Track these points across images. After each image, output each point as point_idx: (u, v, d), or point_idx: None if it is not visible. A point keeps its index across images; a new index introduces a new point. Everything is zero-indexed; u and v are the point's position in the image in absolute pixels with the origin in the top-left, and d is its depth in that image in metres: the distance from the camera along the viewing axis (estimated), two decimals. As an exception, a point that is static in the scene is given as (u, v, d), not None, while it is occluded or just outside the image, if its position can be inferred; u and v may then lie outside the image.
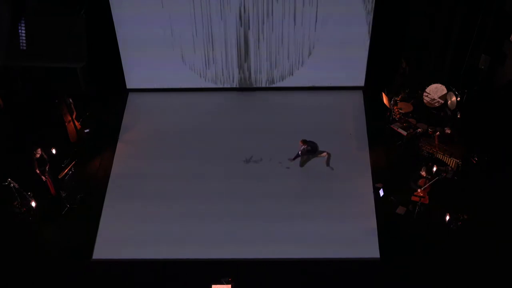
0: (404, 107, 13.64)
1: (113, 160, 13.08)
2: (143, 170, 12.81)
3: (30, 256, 10.99)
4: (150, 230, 11.49)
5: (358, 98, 14.59)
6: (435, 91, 13.81)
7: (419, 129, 13.13)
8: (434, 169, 11.74)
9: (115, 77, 14.65)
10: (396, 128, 13.23)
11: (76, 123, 13.32)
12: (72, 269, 10.75)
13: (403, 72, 14.30)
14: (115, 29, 13.76)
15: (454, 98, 13.61)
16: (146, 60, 14.29)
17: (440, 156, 12.43)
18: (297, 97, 14.74)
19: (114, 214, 11.86)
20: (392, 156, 12.93)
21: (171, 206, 11.95)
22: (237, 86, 14.83)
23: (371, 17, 13.36)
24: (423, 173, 11.40)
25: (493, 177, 12.08)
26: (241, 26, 13.61)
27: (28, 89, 14.46)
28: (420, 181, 11.36)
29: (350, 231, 11.32)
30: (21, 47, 13.56)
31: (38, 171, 11.64)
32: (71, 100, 13.21)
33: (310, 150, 12.27)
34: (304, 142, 12.18)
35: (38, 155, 11.65)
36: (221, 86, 14.83)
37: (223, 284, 9.70)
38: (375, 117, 13.91)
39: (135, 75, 14.69)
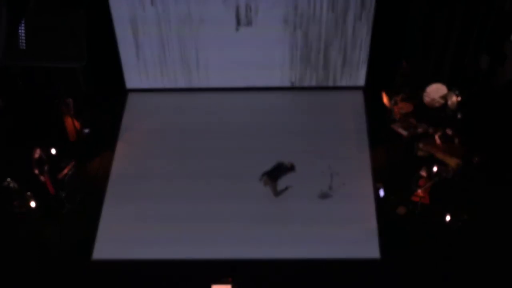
0: (405, 107, 13.63)
1: (113, 160, 13.07)
2: (143, 170, 12.82)
3: (30, 256, 10.99)
4: (150, 230, 11.48)
5: (358, 98, 14.59)
6: (435, 91, 13.80)
7: (419, 129, 13.12)
8: (434, 169, 11.74)
9: (115, 77, 14.64)
10: (396, 128, 13.22)
11: (76, 123, 13.32)
12: (72, 269, 10.75)
13: (403, 72, 14.29)
14: (115, 29, 13.76)
15: (454, 98, 13.61)
16: (146, 60, 14.29)
17: (440, 156, 12.43)
18: (297, 97, 14.74)
19: (114, 214, 11.87)
20: (392, 156, 12.93)
21: (171, 206, 11.94)
22: (237, 86, 14.81)
23: (371, 16, 13.36)
24: (423, 173, 11.39)
25: (493, 177, 12.07)
26: (240, 25, 13.61)
27: (28, 89, 14.45)
28: (420, 182, 11.36)
29: (350, 231, 11.31)
30: (21, 47, 13.55)
31: (36, 171, 11.64)
32: (71, 100, 13.22)
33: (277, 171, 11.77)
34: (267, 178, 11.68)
35: (37, 155, 11.65)
36: (221, 86, 14.82)
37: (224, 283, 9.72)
38: (375, 117, 13.90)
39: (135, 75, 14.69)
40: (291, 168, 11.87)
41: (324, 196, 12.03)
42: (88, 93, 14.50)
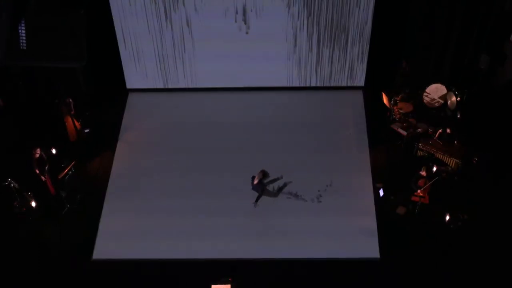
0: (404, 107, 13.64)
1: (113, 160, 13.08)
2: (143, 170, 12.82)
3: (30, 256, 10.99)
4: (150, 230, 11.49)
5: (358, 98, 14.60)
6: (435, 91, 13.81)
7: (419, 129, 13.13)
8: (434, 169, 11.74)
9: (115, 77, 14.64)
10: (396, 128, 13.23)
11: (76, 123, 13.32)
12: (72, 269, 10.75)
13: (403, 72, 14.30)
14: (115, 29, 13.76)
15: (454, 98, 13.61)
16: (146, 60, 14.30)
17: (440, 156, 12.44)
18: (297, 97, 14.74)
19: (114, 214, 11.87)
20: (392, 156, 12.93)
21: (171, 206, 11.95)
22: (237, 86, 14.81)
23: (371, 16, 13.37)
24: (423, 173, 11.40)
25: (493, 177, 12.07)
26: (240, 27, 13.61)
27: (28, 89, 14.44)
28: (420, 181, 11.36)
29: (350, 231, 11.32)
30: (21, 47, 13.54)
31: (37, 171, 11.64)
32: (71, 100, 13.23)
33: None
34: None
35: (37, 155, 11.66)
36: (221, 86, 14.82)
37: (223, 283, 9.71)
38: (375, 117, 13.90)
39: (135, 75, 14.69)
40: (264, 175, 11.80)
41: (324, 196, 12.03)
42: (88, 93, 14.50)
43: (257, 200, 11.70)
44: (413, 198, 11.42)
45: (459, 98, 13.56)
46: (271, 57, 14.13)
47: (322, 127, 13.72)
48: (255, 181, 11.64)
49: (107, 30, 13.71)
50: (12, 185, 11.37)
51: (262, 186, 11.69)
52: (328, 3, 13.15)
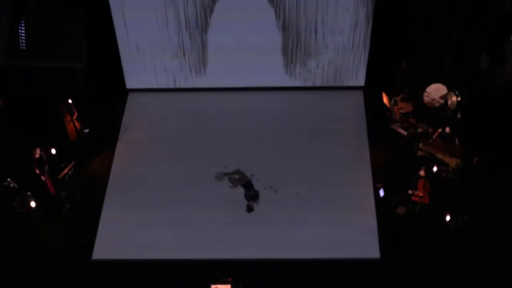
0: (404, 107, 13.64)
1: (113, 160, 13.08)
2: (143, 170, 12.82)
3: (30, 256, 10.99)
4: (150, 230, 11.49)
5: (358, 98, 14.59)
6: (435, 91, 13.81)
7: (419, 129, 13.13)
8: (435, 169, 11.73)
9: (115, 77, 14.64)
10: (396, 128, 13.23)
11: (76, 123, 13.32)
12: (72, 269, 10.75)
13: (403, 72, 14.30)
14: (115, 29, 13.76)
15: (454, 98, 13.61)
16: (146, 60, 14.29)
17: (440, 156, 12.43)
18: (297, 97, 14.74)
19: (114, 214, 11.87)
20: (392, 156, 12.93)
21: (171, 205, 11.95)
22: (237, 86, 14.81)
23: (371, 17, 13.36)
24: (423, 173, 11.39)
25: (493, 177, 12.07)
26: (240, 29, 13.61)
27: (28, 89, 14.44)
28: (419, 182, 11.35)
29: (350, 231, 11.32)
30: (21, 47, 13.53)
31: (37, 171, 11.64)
32: (70, 101, 13.22)
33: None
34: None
35: (37, 155, 11.66)
36: (220, 86, 14.82)
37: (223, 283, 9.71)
38: (375, 117, 13.90)
39: (135, 75, 14.69)
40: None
41: (324, 196, 12.03)
42: (88, 93, 14.50)
43: (254, 201, 11.68)
44: (413, 198, 11.42)
45: (459, 98, 13.55)
46: (272, 57, 14.12)
47: (322, 127, 13.72)
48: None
49: (107, 30, 13.70)
50: (11, 185, 11.37)
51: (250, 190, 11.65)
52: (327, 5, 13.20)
